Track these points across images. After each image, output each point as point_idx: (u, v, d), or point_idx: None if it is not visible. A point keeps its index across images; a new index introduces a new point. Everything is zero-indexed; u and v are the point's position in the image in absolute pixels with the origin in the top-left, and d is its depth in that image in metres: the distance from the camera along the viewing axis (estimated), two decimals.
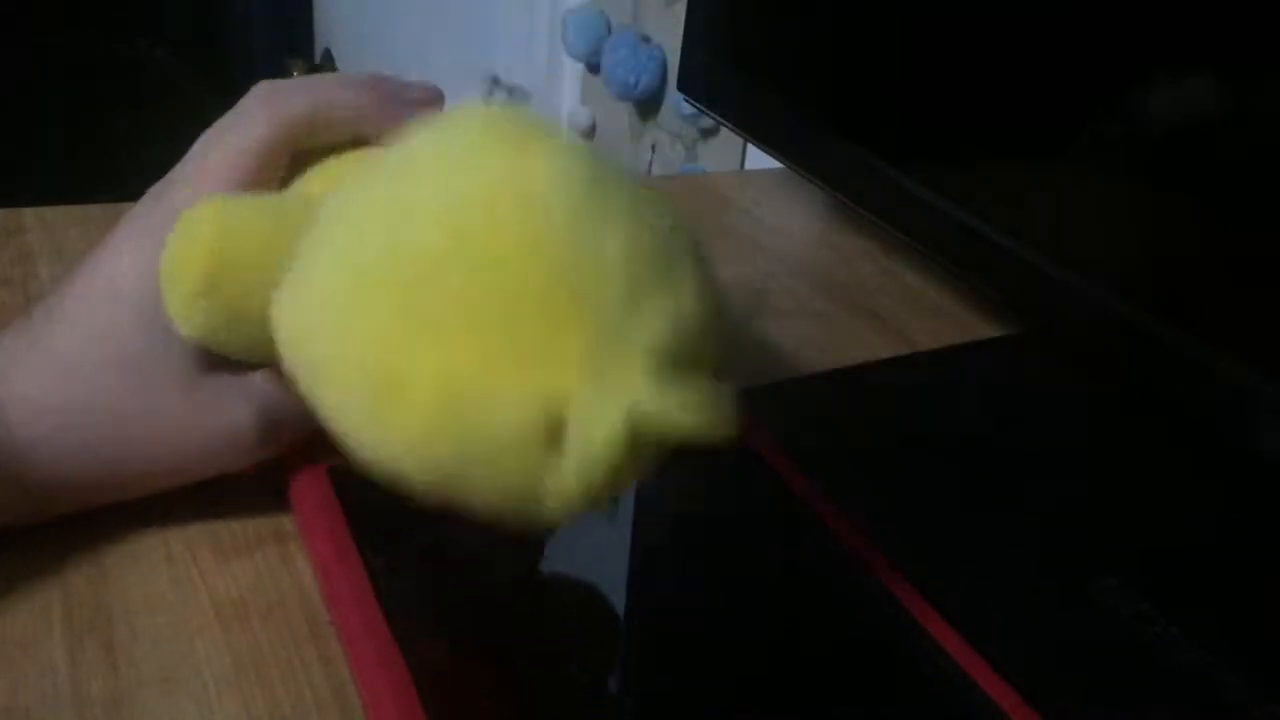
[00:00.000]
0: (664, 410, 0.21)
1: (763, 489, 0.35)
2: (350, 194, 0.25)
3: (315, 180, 0.32)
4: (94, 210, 0.50)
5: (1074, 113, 0.38)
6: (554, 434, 0.22)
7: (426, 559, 0.31)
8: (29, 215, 0.49)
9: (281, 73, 1.61)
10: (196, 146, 0.32)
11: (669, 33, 0.88)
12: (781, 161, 0.54)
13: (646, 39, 0.89)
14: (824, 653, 0.30)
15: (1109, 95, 0.37)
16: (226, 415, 0.30)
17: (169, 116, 1.37)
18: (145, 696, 0.27)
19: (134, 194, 0.51)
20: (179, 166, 0.32)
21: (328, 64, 1.60)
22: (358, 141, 0.32)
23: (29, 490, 0.29)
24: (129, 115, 1.27)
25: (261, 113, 0.30)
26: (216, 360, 0.30)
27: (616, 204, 0.24)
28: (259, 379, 0.30)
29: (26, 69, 1.26)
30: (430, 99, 0.34)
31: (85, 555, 0.31)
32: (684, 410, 0.21)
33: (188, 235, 0.27)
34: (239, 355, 0.29)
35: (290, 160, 0.32)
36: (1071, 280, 0.39)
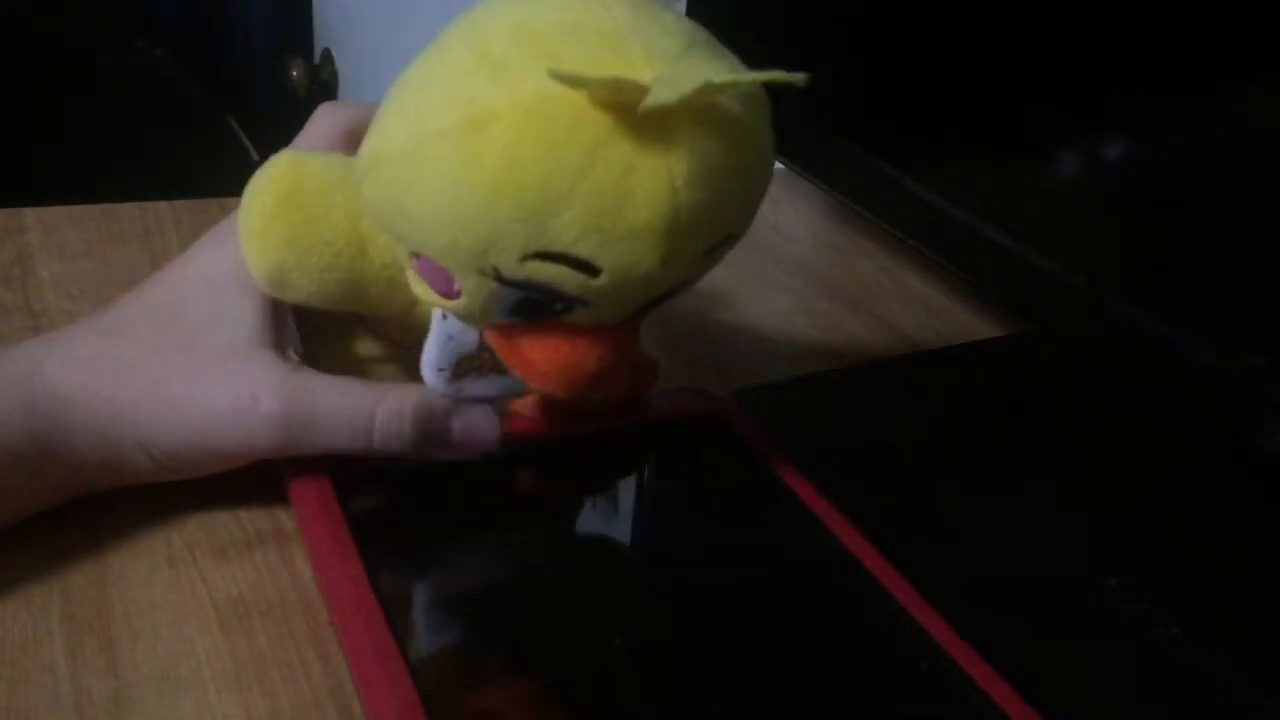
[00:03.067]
0: (736, 78, 0.24)
1: (762, 490, 0.35)
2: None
3: None
4: (93, 210, 0.50)
5: (1074, 112, 0.38)
6: (637, 129, 0.24)
7: (426, 559, 0.31)
8: (29, 215, 0.49)
9: (280, 73, 1.61)
10: None
11: None
12: (781, 161, 0.54)
13: None
14: (823, 653, 0.29)
15: (1110, 95, 0.37)
16: (250, 388, 0.30)
17: (168, 116, 1.37)
18: (145, 696, 0.27)
19: (133, 194, 0.51)
20: None
21: (327, 64, 1.60)
22: None
23: (58, 456, 0.29)
24: (127, 115, 1.27)
25: (324, 118, 0.33)
26: (265, 343, 0.31)
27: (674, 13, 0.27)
28: (300, 372, 0.31)
29: (25, 69, 1.25)
30: None
31: (85, 555, 0.31)
32: (752, 75, 0.25)
33: (266, 169, 0.30)
34: (304, 298, 0.31)
35: None
36: (1072, 280, 0.39)
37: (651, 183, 0.24)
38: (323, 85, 1.60)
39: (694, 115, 0.25)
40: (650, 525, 0.35)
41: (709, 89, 0.23)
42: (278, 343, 0.31)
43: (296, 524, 0.32)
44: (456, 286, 0.28)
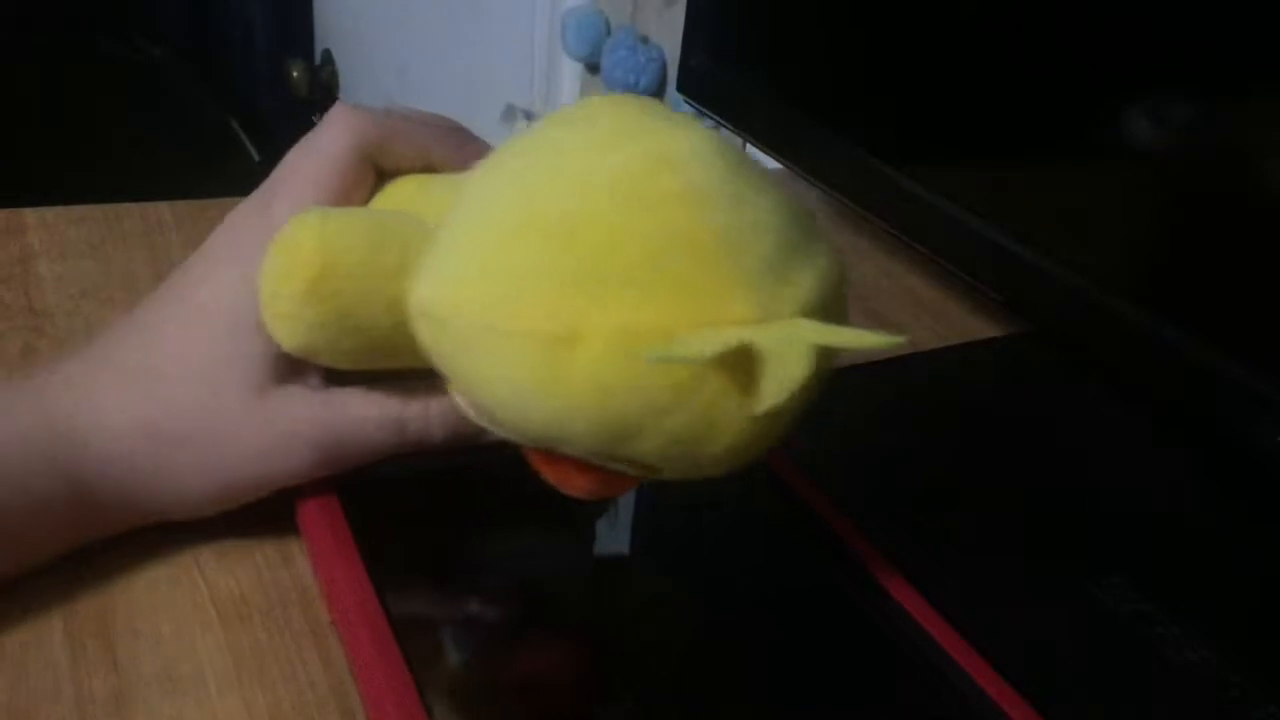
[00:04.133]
0: (839, 338, 0.23)
1: (764, 490, 0.35)
2: (484, 177, 0.26)
3: (387, 199, 0.32)
4: (94, 210, 0.50)
5: (1074, 112, 0.38)
6: (730, 369, 0.23)
7: (429, 560, 0.31)
8: (29, 215, 0.49)
9: (281, 73, 1.61)
10: (282, 166, 0.33)
11: (668, 33, 0.88)
12: (781, 162, 0.54)
13: (645, 39, 0.89)
14: (823, 653, 0.30)
15: (1108, 94, 0.37)
16: (287, 425, 0.30)
17: (168, 117, 1.37)
18: (146, 695, 0.27)
19: (134, 194, 0.51)
20: (265, 184, 0.32)
21: (327, 65, 1.60)
22: (427, 169, 0.32)
23: (95, 512, 0.29)
24: (128, 115, 1.27)
25: (341, 127, 0.31)
26: (287, 375, 0.30)
27: (757, 172, 0.25)
28: (326, 395, 0.30)
29: (25, 69, 1.26)
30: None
31: (86, 554, 0.31)
32: (854, 339, 0.23)
33: (290, 246, 0.27)
34: (335, 364, 0.29)
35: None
36: (1072, 280, 0.39)
37: (734, 420, 0.23)
38: (323, 85, 1.60)
39: None
40: (653, 526, 0.35)
41: (808, 358, 0.22)
42: (299, 370, 0.30)
43: (299, 524, 0.32)
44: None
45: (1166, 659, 0.31)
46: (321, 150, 0.31)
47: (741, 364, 0.23)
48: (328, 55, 1.61)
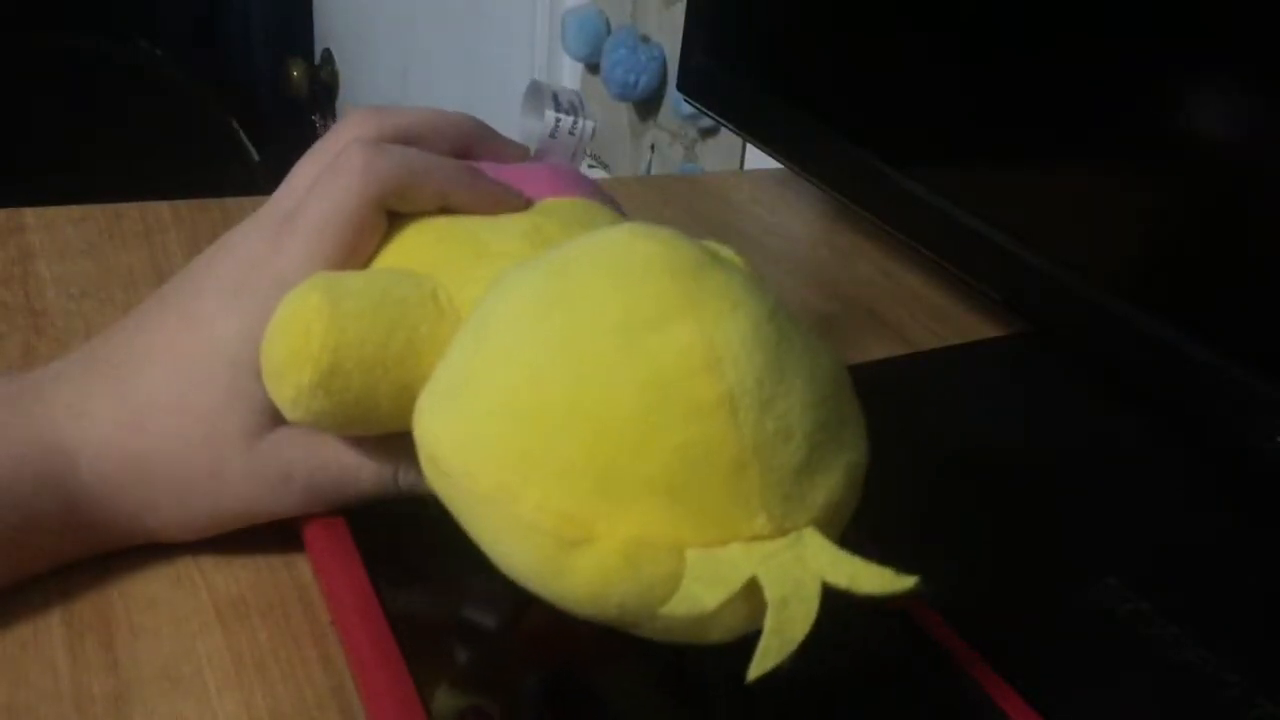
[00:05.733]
0: (851, 582, 0.23)
1: None
2: (504, 314, 0.25)
3: (400, 251, 0.31)
4: (94, 210, 0.50)
5: (1073, 113, 0.38)
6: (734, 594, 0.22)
7: (428, 562, 0.31)
8: (29, 215, 0.49)
9: (281, 73, 1.61)
10: (292, 183, 0.32)
11: (668, 32, 0.88)
12: (781, 161, 0.54)
13: (646, 39, 0.89)
14: (820, 651, 0.29)
15: (1107, 95, 0.37)
16: (280, 467, 0.30)
17: (168, 116, 1.37)
18: (146, 694, 0.27)
19: (134, 194, 0.51)
20: (273, 206, 0.32)
21: (327, 64, 1.60)
22: (444, 210, 0.32)
23: (86, 537, 0.30)
24: (128, 115, 1.27)
25: (361, 173, 0.30)
26: (276, 417, 0.29)
27: (797, 359, 0.24)
28: (321, 441, 0.30)
29: (25, 69, 1.26)
30: (519, 156, 0.36)
31: None
32: (866, 580, 0.23)
33: (299, 330, 0.27)
34: (334, 434, 0.30)
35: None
36: (1071, 281, 0.39)
37: (732, 619, 0.23)
38: (323, 85, 1.60)
39: None
40: None
41: (810, 617, 0.22)
42: None
43: (299, 525, 0.32)
44: None
45: (1165, 659, 0.31)
46: (339, 195, 0.30)
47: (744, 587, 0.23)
48: (328, 55, 1.61)
